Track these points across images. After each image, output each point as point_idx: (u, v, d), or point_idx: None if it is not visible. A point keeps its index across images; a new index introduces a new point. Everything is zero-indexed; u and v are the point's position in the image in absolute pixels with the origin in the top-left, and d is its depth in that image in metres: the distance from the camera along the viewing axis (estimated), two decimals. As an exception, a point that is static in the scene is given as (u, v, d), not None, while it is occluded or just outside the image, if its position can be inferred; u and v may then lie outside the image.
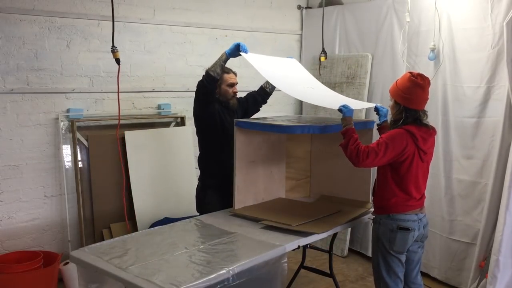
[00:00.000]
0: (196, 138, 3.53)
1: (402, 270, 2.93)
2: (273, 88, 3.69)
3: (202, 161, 3.51)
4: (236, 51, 3.18)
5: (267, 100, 3.78)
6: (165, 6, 4.47)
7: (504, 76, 3.54)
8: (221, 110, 3.40)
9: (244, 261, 2.43)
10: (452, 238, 4.02)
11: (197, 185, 3.56)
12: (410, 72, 2.89)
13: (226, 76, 3.42)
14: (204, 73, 3.27)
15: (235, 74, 3.49)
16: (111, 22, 4.10)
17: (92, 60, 4.11)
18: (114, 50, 3.37)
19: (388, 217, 2.85)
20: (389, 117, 3.12)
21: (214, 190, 3.43)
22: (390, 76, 4.50)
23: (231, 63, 3.46)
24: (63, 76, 4.00)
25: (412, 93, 2.80)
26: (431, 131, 2.89)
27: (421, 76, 2.85)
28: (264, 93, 3.70)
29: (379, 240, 2.89)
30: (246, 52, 3.19)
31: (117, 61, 3.41)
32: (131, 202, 4.26)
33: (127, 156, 4.25)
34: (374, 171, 3.85)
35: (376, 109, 3.26)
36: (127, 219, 4.18)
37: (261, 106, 3.77)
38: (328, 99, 3.40)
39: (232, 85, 3.46)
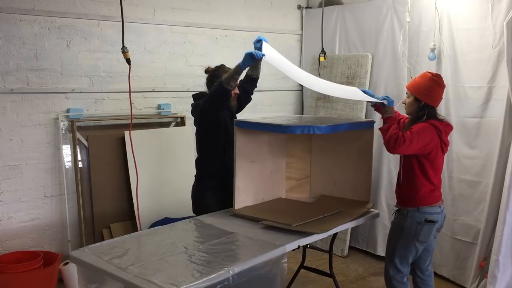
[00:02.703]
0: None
1: (414, 258, 3.12)
2: (258, 73, 3.53)
3: (203, 163, 3.47)
4: (250, 60, 3.06)
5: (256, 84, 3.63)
6: (165, 6, 4.47)
7: (505, 76, 3.54)
8: (224, 113, 3.37)
9: (244, 261, 2.43)
10: (455, 237, 4.03)
11: (194, 186, 3.50)
12: (430, 72, 3.09)
13: None
14: (217, 84, 3.15)
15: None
16: (112, 22, 4.13)
17: (92, 60, 4.11)
18: (124, 51, 3.35)
19: (417, 210, 3.00)
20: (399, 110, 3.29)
21: (213, 191, 3.40)
22: (391, 76, 4.51)
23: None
24: (63, 76, 4.00)
25: (433, 92, 3.01)
26: (449, 124, 3.10)
27: (440, 76, 3.09)
28: (251, 80, 3.54)
29: (404, 230, 3.03)
30: (261, 57, 3.04)
31: (128, 61, 3.39)
32: (131, 202, 4.26)
33: (127, 156, 4.25)
34: (374, 171, 3.88)
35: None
36: (138, 217, 4.17)
37: (252, 94, 3.64)
38: (347, 91, 3.56)
39: (234, 86, 3.40)
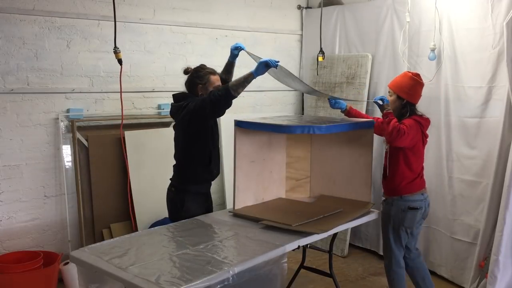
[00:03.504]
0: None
1: (406, 240, 3.40)
2: (231, 77, 3.47)
3: (187, 168, 3.26)
4: (263, 68, 2.94)
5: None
6: (165, 6, 4.47)
7: (505, 76, 3.54)
8: None
9: (244, 261, 2.43)
10: (455, 237, 4.03)
11: (171, 191, 3.31)
12: (409, 72, 3.38)
13: (212, 77, 3.21)
14: (222, 89, 2.98)
15: (219, 75, 3.33)
16: (111, 22, 4.11)
17: (92, 60, 4.11)
18: (116, 51, 3.35)
19: (400, 199, 3.30)
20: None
21: (194, 196, 3.27)
22: (391, 76, 4.47)
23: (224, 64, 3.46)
24: (63, 76, 4.00)
25: (414, 90, 3.29)
26: (428, 119, 3.37)
27: (419, 75, 3.35)
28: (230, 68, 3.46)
29: (391, 218, 3.33)
30: (274, 65, 2.95)
31: (119, 61, 3.39)
32: (131, 202, 4.26)
33: (127, 156, 4.25)
34: (375, 171, 3.89)
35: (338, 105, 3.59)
36: (132, 218, 4.18)
37: None
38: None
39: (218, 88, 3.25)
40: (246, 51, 3.41)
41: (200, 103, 3.06)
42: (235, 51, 3.40)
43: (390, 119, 3.17)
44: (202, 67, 3.28)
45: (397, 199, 3.30)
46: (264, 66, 2.95)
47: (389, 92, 3.37)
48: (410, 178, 3.29)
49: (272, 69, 3.02)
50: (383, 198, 3.43)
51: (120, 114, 4.25)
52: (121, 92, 3.57)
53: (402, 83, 3.30)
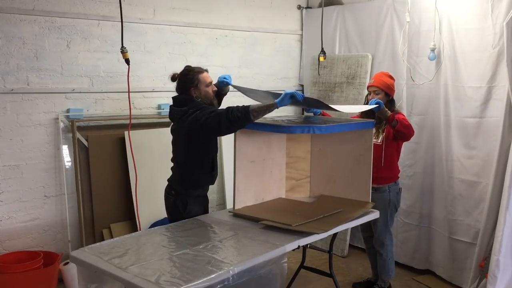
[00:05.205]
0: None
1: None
2: (227, 90, 3.47)
3: (191, 174, 3.21)
4: (288, 100, 2.91)
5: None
6: (165, 6, 4.47)
7: (505, 76, 3.54)
8: None
9: (244, 261, 2.43)
10: (454, 237, 4.02)
11: (171, 194, 3.25)
12: (384, 71, 3.82)
13: (201, 76, 3.14)
14: (241, 109, 2.87)
15: (207, 71, 3.25)
16: (112, 22, 4.14)
17: (92, 60, 4.12)
18: (123, 51, 3.32)
19: (395, 184, 3.75)
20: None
21: (195, 199, 3.26)
22: (391, 76, 4.51)
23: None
24: (63, 76, 4.00)
25: (394, 86, 3.74)
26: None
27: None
28: (220, 96, 3.44)
29: (391, 202, 3.72)
30: (301, 98, 2.94)
31: (127, 61, 3.36)
32: (131, 202, 4.26)
33: (127, 156, 4.25)
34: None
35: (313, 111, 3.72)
36: (137, 218, 4.17)
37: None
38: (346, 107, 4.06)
39: (210, 84, 3.19)
40: (232, 85, 3.39)
41: (215, 117, 2.93)
42: (221, 84, 3.34)
43: (399, 121, 3.46)
44: (188, 69, 3.19)
45: (392, 184, 3.73)
46: (289, 98, 2.91)
47: (375, 91, 3.64)
48: (398, 166, 3.79)
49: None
50: (375, 187, 3.60)
51: (121, 114, 4.27)
52: (129, 92, 3.54)
53: (387, 81, 3.66)
